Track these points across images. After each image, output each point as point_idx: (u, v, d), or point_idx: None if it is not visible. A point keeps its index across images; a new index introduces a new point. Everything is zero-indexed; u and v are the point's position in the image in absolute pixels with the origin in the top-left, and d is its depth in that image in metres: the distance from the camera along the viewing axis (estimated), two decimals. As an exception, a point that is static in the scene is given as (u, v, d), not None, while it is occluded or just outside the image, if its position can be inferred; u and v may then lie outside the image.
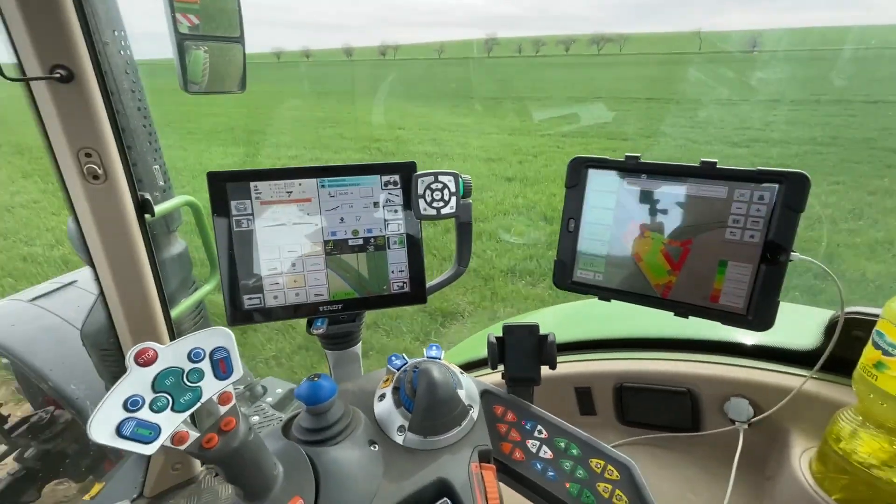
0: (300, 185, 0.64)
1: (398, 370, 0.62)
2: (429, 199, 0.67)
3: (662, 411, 0.88)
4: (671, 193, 0.62)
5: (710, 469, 0.83)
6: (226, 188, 0.62)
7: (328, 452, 0.51)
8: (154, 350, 0.40)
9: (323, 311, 0.67)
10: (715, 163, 0.60)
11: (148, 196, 1.11)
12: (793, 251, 0.56)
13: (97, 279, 1.12)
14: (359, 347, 0.76)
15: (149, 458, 1.36)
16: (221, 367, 0.43)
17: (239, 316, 0.64)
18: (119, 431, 0.36)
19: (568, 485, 0.55)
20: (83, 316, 1.63)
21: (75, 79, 0.88)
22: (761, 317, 0.59)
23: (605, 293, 0.68)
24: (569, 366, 0.93)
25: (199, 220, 1.40)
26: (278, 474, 0.47)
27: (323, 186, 0.64)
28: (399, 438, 0.56)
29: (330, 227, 0.66)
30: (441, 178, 0.67)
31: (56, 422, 1.97)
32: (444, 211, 0.68)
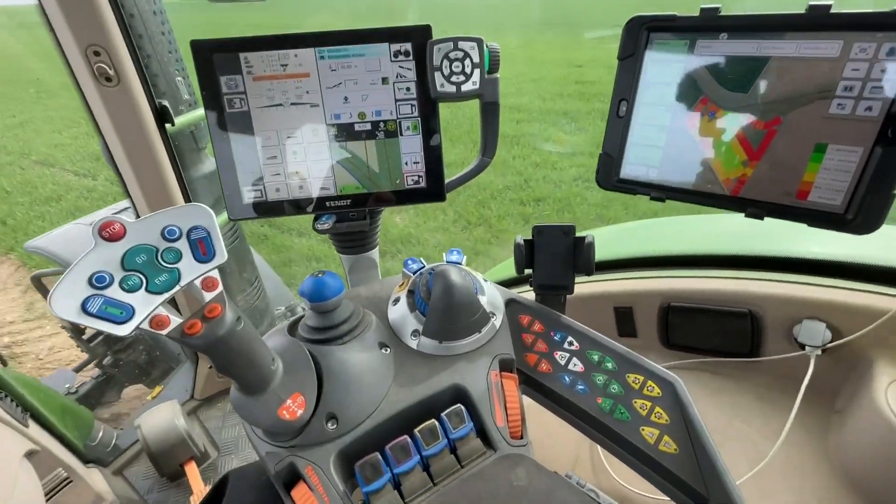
0: (296, 56, 0.54)
1: (414, 274, 0.57)
2: (447, 72, 0.56)
3: (715, 334, 0.78)
4: (759, 57, 0.48)
5: (766, 397, 0.73)
6: (213, 60, 0.54)
7: (333, 352, 0.47)
8: (121, 224, 0.36)
9: (330, 206, 0.60)
10: (828, 6, 0.44)
11: (166, 103, 1.07)
12: None
13: (127, 194, 1.13)
14: (376, 252, 0.71)
15: (196, 365, 1.46)
16: (201, 249, 0.39)
17: (238, 209, 0.59)
18: (84, 308, 0.33)
19: (600, 399, 0.49)
20: None
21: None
22: (866, 216, 0.46)
23: (660, 191, 0.56)
24: (608, 284, 0.84)
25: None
26: (277, 369, 0.44)
27: (322, 58, 0.55)
28: (413, 343, 0.51)
29: (332, 108, 0.57)
30: (461, 44, 0.55)
31: (125, 334, 2.15)
32: (465, 87, 0.57)
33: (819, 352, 0.69)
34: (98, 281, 0.34)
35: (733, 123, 0.51)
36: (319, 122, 0.57)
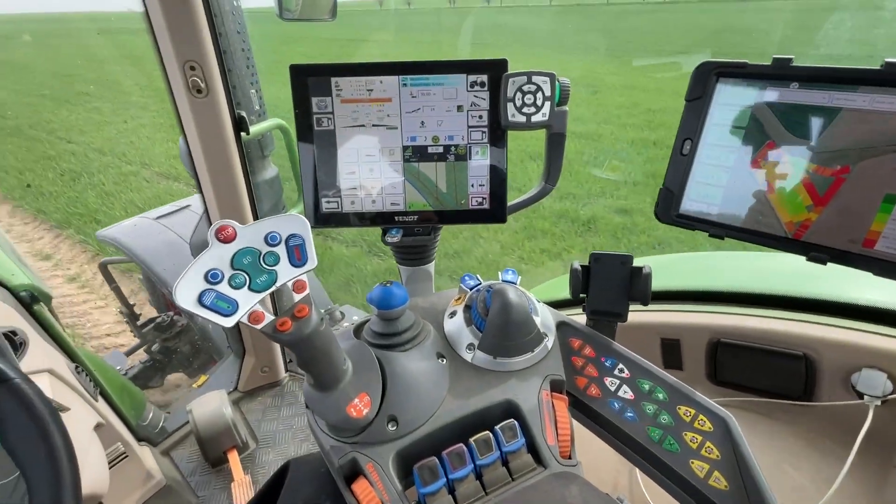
0: (381, 82, 0.60)
1: (471, 290, 0.60)
2: (519, 103, 0.60)
3: (766, 374, 0.77)
4: (830, 107, 0.49)
5: (818, 444, 0.71)
6: (307, 83, 0.60)
7: (397, 358, 0.51)
8: (233, 228, 0.40)
9: (398, 221, 0.65)
10: None
11: (244, 114, 1.16)
12: None
13: (200, 193, 1.23)
14: (432, 266, 0.74)
15: (242, 359, 1.53)
16: (296, 255, 0.43)
17: (317, 218, 0.64)
18: (200, 300, 0.38)
19: (649, 428, 0.50)
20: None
21: (182, -10, 0.92)
22: None
23: (719, 229, 0.57)
24: (656, 314, 0.84)
25: (289, 144, 1.46)
26: (347, 369, 0.47)
27: (405, 85, 0.60)
28: (468, 356, 0.54)
29: (409, 131, 0.62)
30: (535, 79, 0.59)
31: (175, 325, 2.29)
32: (534, 118, 0.60)
33: (879, 402, 0.67)
34: (212, 277, 0.39)
35: (799, 168, 0.52)
36: (396, 143, 0.62)
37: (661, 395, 0.52)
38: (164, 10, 0.92)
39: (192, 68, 0.99)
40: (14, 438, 0.36)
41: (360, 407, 0.46)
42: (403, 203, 0.64)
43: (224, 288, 0.39)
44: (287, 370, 1.58)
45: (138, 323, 2.32)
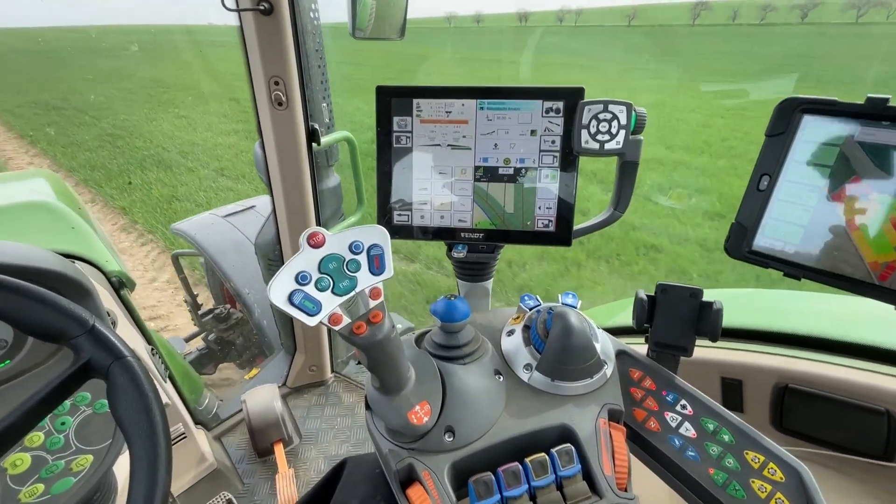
0: (461, 105, 0.63)
1: (530, 309, 0.60)
2: (593, 130, 0.61)
3: (841, 427, 0.72)
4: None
5: (900, 512, 0.65)
6: (391, 103, 0.64)
7: (456, 370, 0.52)
8: (323, 235, 0.43)
9: (464, 237, 0.67)
10: None
11: (317, 126, 1.24)
12: None
13: (271, 196, 1.32)
14: (490, 283, 0.76)
15: (293, 356, 1.60)
16: (376, 263, 0.45)
17: (387, 230, 0.68)
18: (290, 299, 0.40)
19: (712, 470, 0.48)
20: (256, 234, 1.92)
21: (274, 12, 1.00)
22: None
23: (795, 269, 0.55)
24: (717, 351, 0.81)
25: (354, 156, 1.53)
26: (411, 376, 0.49)
27: (482, 108, 0.63)
28: (524, 376, 0.55)
29: (482, 152, 0.64)
30: (612, 107, 0.60)
31: (231, 317, 2.42)
32: (608, 146, 0.61)
33: (975, 472, 0.61)
34: (302, 279, 0.42)
35: (886, 206, 0.49)
36: (468, 163, 0.65)
37: (726, 437, 0.50)
38: (257, 29, 1.01)
39: (276, 83, 1.07)
40: (123, 410, 0.40)
41: (421, 415, 0.48)
42: (470, 220, 0.66)
43: (311, 289, 0.42)
44: (333, 371, 1.63)
45: (199, 312, 2.47)
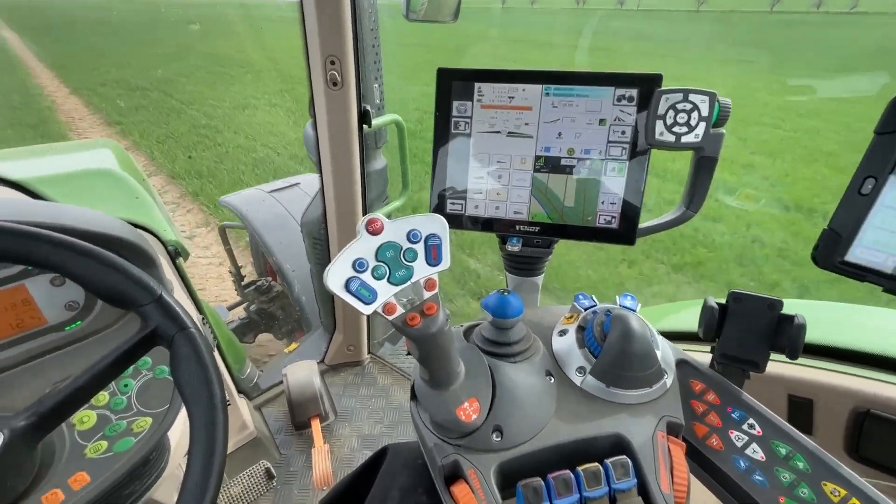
0: (524, 90, 0.59)
1: (585, 310, 0.57)
2: (669, 121, 0.56)
3: None
4: None
5: None
6: (451, 87, 0.62)
7: (507, 368, 0.50)
8: (381, 222, 0.42)
9: (518, 230, 0.64)
10: None
11: (368, 107, 1.23)
12: None
13: (321, 177, 1.33)
14: (541, 279, 0.73)
15: (331, 334, 1.64)
16: (433, 254, 0.44)
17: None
18: (347, 286, 0.40)
19: (783, 499, 0.44)
20: (300, 213, 1.96)
21: (333, -10, 0.99)
22: None
23: None
24: (786, 366, 0.75)
25: (402, 139, 1.52)
26: (461, 371, 0.47)
27: (547, 95, 0.59)
28: (577, 379, 0.52)
29: (545, 141, 0.61)
30: (692, 97, 0.55)
31: (272, 290, 2.50)
32: (685, 139, 0.56)
33: None
34: (359, 266, 0.41)
35: None
36: (529, 152, 0.61)
37: (801, 465, 0.46)
38: (317, 8, 1.00)
39: (332, 63, 1.07)
40: (185, 379, 0.41)
41: (470, 412, 0.47)
42: (527, 213, 0.63)
43: (367, 277, 0.41)
44: (369, 352, 1.66)
45: (242, 283, 2.57)
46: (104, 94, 8.13)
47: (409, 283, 0.44)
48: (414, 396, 0.52)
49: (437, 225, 0.45)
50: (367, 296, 0.41)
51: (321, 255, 1.63)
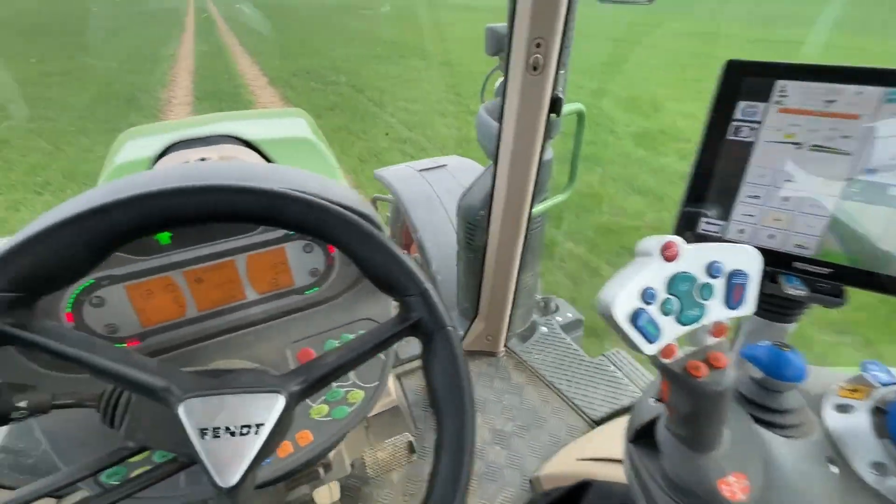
0: (855, 93, 0.46)
1: (883, 385, 0.44)
2: None
3: None
4: None
5: None
6: (740, 84, 0.50)
7: (780, 443, 0.41)
8: (678, 247, 0.35)
9: (797, 268, 0.52)
10: None
11: (561, 95, 1.15)
12: None
13: (495, 165, 1.29)
14: (793, 327, 0.59)
15: (471, 321, 1.63)
16: (735, 294, 0.37)
17: (687, 237, 0.56)
18: (634, 319, 0.34)
19: None
20: (446, 193, 1.96)
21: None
22: None
23: None
24: None
25: (580, 131, 1.41)
26: (724, 436, 0.39)
27: (890, 101, 0.45)
28: (868, 476, 0.40)
29: (870, 162, 0.46)
30: None
31: (411, 262, 2.61)
32: None
33: None
34: (648, 297, 0.35)
35: None
36: (840, 173, 0.48)
37: None
38: (532, -16, 0.94)
39: (538, 45, 1.00)
40: (439, 379, 0.40)
41: (736, 489, 0.38)
42: (815, 248, 0.50)
43: (655, 311, 0.35)
44: (505, 346, 1.63)
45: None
46: (297, 86, 7.32)
47: (697, 325, 0.37)
48: (638, 439, 0.45)
49: (746, 259, 0.37)
50: (653, 333, 0.35)
51: (473, 241, 1.62)
